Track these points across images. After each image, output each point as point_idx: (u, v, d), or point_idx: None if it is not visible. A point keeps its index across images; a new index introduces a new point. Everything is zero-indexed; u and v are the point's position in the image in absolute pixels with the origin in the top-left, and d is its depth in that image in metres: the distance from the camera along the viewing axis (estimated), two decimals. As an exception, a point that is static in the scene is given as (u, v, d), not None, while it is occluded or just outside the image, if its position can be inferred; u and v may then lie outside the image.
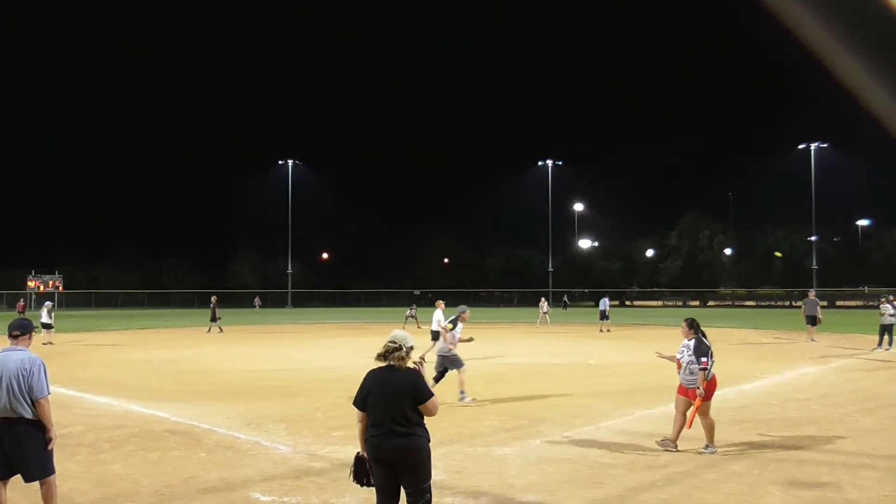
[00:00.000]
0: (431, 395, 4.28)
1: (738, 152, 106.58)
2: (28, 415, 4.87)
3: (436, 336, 16.33)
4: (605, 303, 30.27)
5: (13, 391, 4.84)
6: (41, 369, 4.99)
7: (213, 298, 29.52)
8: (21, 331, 5.16)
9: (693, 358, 7.45)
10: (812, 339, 22.58)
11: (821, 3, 1.29)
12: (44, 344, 21.08)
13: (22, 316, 5.41)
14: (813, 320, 22.99)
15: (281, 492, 6.11)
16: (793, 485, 6.21)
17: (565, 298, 64.31)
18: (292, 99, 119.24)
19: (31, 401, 4.89)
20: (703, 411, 7.48)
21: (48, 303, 24.68)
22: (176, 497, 5.98)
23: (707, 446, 7.48)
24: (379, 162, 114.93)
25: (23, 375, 4.88)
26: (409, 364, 4.37)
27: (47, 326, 22.32)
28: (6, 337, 5.21)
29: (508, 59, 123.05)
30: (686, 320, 7.84)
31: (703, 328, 7.84)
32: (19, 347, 5.09)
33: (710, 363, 7.38)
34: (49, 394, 5.03)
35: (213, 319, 28.59)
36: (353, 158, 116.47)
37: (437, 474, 6.56)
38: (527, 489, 6.14)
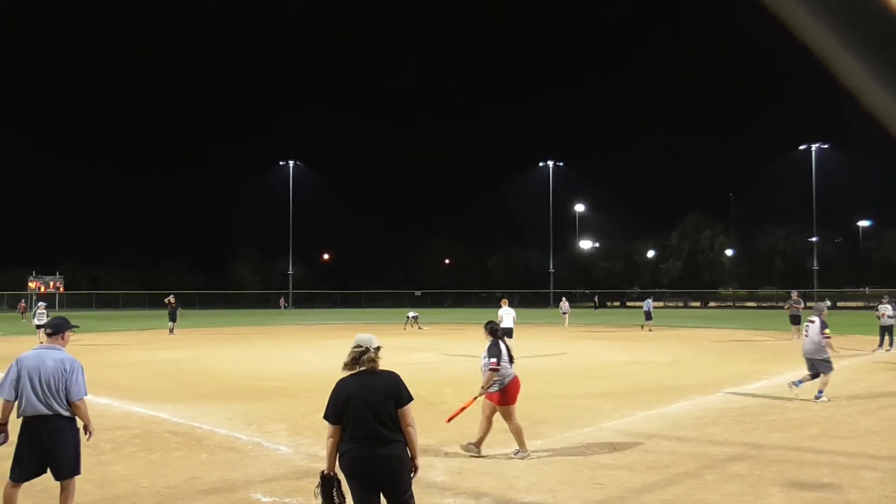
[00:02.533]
0: (412, 398, 4.07)
1: (739, 153, 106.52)
2: (64, 412, 4.90)
3: (509, 333, 17.39)
4: (648, 303, 31.53)
5: (50, 390, 4.85)
6: (80, 371, 5.02)
7: (172, 299, 28.69)
8: (55, 329, 5.15)
9: (486, 361, 7.37)
10: (798, 339, 22.95)
11: (821, 3, 1.29)
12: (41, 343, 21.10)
13: (58, 315, 5.46)
14: (798, 320, 23.54)
15: (282, 493, 6.11)
16: (794, 486, 6.21)
17: (596, 299, 64.83)
18: (292, 99, 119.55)
19: (67, 401, 4.91)
20: (509, 415, 7.32)
21: (41, 303, 24.30)
22: (177, 498, 5.98)
23: (517, 451, 7.31)
24: (379, 162, 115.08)
25: (62, 375, 4.90)
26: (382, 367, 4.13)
27: (41, 328, 22.25)
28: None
29: (508, 59, 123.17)
30: (485, 324, 7.75)
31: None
32: (56, 346, 5.09)
33: (503, 365, 7.28)
34: (86, 395, 5.06)
35: (172, 319, 28.15)
36: (353, 159, 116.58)
37: (438, 475, 6.58)
38: (528, 490, 6.14)
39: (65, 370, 4.91)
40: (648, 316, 30.65)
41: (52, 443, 4.87)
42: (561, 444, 7.88)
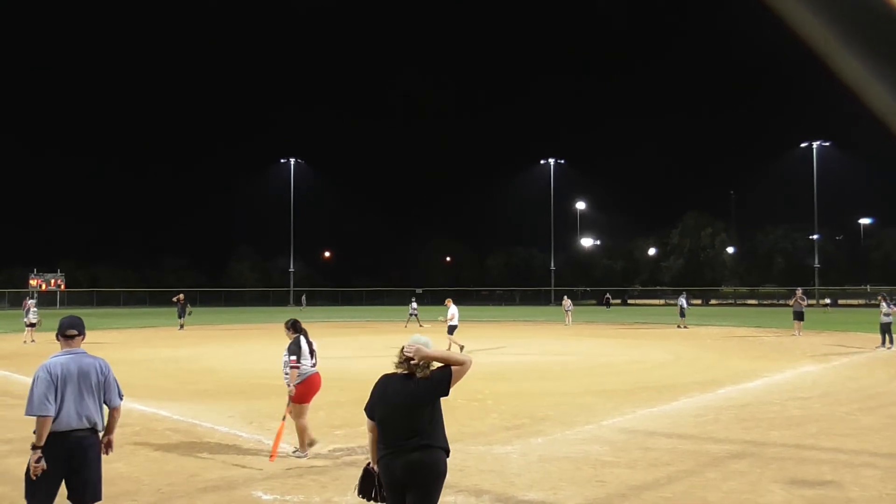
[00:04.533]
0: (450, 372, 3.76)
1: (739, 151, 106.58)
2: (100, 425, 4.48)
3: (451, 330, 18.77)
4: (682, 300, 31.65)
5: (93, 399, 4.42)
6: (112, 373, 4.61)
7: (182, 296, 29.66)
8: (80, 329, 4.57)
9: (287, 359, 7.24)
10: (799, 334, 23.95)
11: (822, 3, 1.29)
12: (31, 341, 21.02)
13: (71, 314, 4.97)
14: (801, 316, 24.46)
15: (283, 490, 6.11)
16: (794, 483, 6.21)
17: (607, 297, 64.96)
18: (293, 97, 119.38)
19: (102, 407, 4.52)
20: (299, 413, 7.21)
21: (31, 300, 23.96)
22: (178, 495, 5.99)
23: (296, 450, 7.29)
24: (380, 160, 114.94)
25: (100, 381, 4.47)
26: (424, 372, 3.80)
27: (31, 325, 22.00)
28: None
29: (508, 57, 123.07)
30: (286, 322, 7.62)
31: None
32: (81, 349, 4.55)
33: (302, 363, 7.20)
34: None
35: (181, 315, 29.10)
36: (354, 157, 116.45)
37: (439, 473, 6.58)
38: (529, 487, 6.14)
39: (104, 375, 4.49)
40: (682, 313, 30.51)
41: (81, 460, 4.30)
42: (562, 442, 7.89)
